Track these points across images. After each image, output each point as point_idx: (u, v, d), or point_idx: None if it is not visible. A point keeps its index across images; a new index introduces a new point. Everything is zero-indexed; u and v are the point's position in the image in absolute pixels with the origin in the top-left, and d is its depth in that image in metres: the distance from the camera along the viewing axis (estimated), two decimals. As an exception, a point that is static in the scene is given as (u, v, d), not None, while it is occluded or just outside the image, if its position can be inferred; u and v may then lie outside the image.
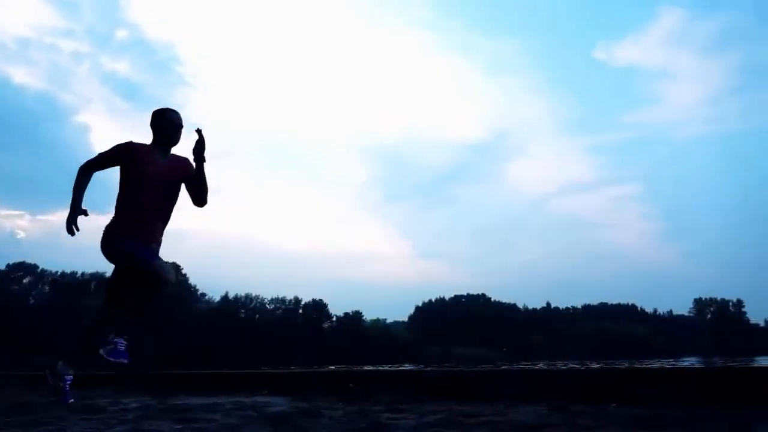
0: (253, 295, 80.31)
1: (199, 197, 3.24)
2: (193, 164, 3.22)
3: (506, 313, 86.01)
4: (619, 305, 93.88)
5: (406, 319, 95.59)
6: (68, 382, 3.02)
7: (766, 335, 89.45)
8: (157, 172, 3.15)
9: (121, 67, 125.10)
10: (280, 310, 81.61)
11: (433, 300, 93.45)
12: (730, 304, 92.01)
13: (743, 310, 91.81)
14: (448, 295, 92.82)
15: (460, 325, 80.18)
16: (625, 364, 21.54)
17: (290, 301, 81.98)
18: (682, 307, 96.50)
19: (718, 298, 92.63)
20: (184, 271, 71.71)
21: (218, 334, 62.42)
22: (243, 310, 78.41)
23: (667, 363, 21.60)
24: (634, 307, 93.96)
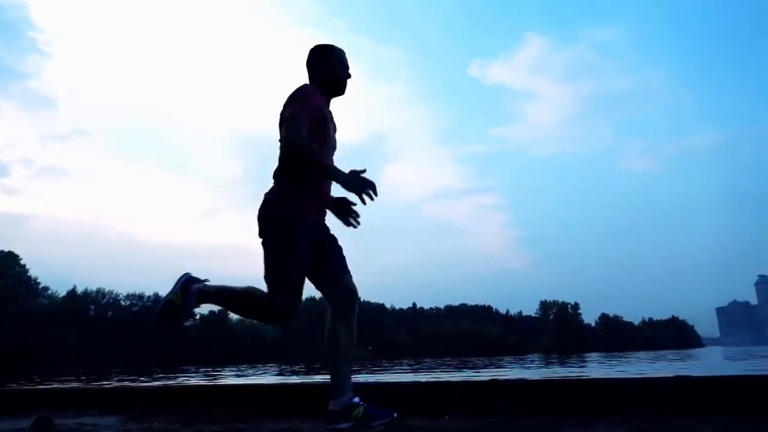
0: (106, 289, 73.59)
1: None
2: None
3: (374, 312, 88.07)
4: (477, 306, 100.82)
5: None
6: None
7: (596, 334, 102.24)
8: (332, 131, 2.40)
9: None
10: (137, 307, 75.57)
11: (304, 298, 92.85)
12: (569, 306, 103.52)
13: (579, 311, 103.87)
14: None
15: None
16: (480, 362, 23.32)
17: (149, 297, 76.33)
18: (530, 308, 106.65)
19: (560, 301, 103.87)
20: (23, 262, 63.55)
21: (61, 333, 56.09)
22: (93, 307, 71.36)
23: (515, 360, 23.89)
24: (489, 308, 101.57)
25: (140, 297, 75.46)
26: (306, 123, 2.18)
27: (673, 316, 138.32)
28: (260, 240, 2.23)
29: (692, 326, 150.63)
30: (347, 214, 2.46)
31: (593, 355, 41.25)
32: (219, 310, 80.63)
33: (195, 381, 11.42)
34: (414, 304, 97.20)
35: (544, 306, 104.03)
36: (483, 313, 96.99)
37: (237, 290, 2.24)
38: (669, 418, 2.31)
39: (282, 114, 2.25)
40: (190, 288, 2.19)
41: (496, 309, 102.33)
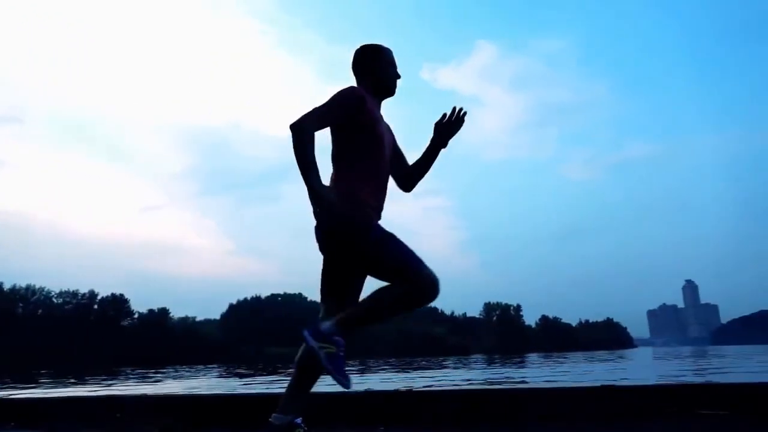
0: (37, 286, 69.62)
1: (413, 181, 2.48)
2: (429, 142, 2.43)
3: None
4: (425, 307, 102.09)
5: (218, 317, 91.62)
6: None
7: (536, 335, 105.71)
8: (385, 132, 2.30)
9: None
10: (71, 305, 72.00)
11: (249, 298, 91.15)
12: (512, 308, 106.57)
13: (521, 313, 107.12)
14: (264, 293, 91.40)
15: (276, 325, 79.49)
16: (422, 362, 23.58)
17: (84, 294, 72.89)
18: (475, 309, 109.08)
19: (503, 303, 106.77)
20: (-59, 256, 59.12)
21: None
22: (21, 305, 67.37)
23: (458, 361, 24.33)
24: (435, 309, 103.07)
25: (74, 294, 71.94)
26: (325, 123, 2.13)
27: (608, 318, 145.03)
28: (348, 249, 2.11)
29: (625, 328, 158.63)
30: (446, 128, 2.40)
31: (533, 356, 42.63)
32: (158, 309, 77.72)
33: (127, 388, 11.05)
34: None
35: (488, 307, 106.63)
36: (429, 314, 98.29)
37: (367, 302, 2.12)
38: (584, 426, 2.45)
39: None
40: (323, 332, 2.06)
41: (441, 310, 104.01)
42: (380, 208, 2.24)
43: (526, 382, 8.01)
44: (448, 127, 2.38)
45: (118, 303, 74.13)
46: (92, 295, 72.94)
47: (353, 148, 2.18)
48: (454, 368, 17.67)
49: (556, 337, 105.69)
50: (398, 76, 2.35)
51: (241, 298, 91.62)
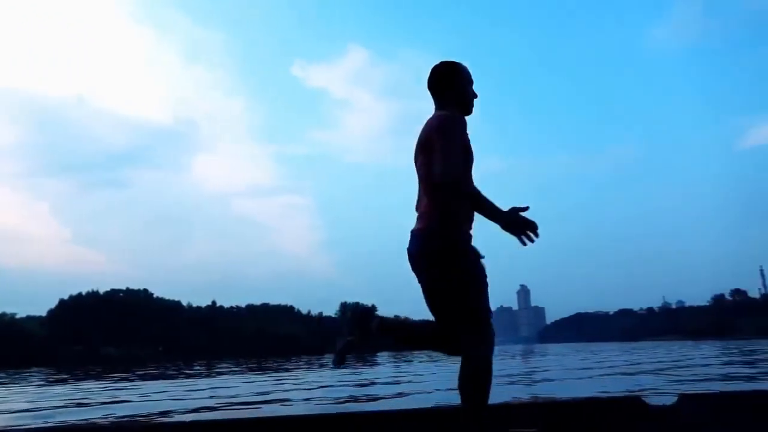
0: None
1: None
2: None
3: (169, 311, 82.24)
4: (279, 306, 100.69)
5: (44, 313, 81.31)
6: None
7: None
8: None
9: None
10: None
11: (84, 293, 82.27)
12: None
13: (376, 313, 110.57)
14: (103, 289, 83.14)
15: (114, 323, 72.79)
16: (278, 362, 23.27)
17: None
18: (331, 309, 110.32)
19: (359, 302, 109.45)
20: None
21: None
22: None
23: (313, 362, 24.51)
24: (292, 308, 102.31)
25: None
26: (460, 157, 2.04)
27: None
28: (437, 278, 2.06)
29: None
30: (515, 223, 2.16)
31: (384, 355, 44.36)
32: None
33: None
34: (213, 302, 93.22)
35: (345, 307, 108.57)
36: (285, 314, 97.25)
37: (419, 325, 2.17)
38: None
39: (429, 143, 2.08)
40: (368, 326, 2.13)
41: (298, 309, 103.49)
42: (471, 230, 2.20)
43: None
44: (515, 224, 2.07)
45: None
46: None
47: None
48: (291, 371, 17.85)
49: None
50: (476, 95, 2.26)
51: (75, 293, 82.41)
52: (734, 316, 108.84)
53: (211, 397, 7.73)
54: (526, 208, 2.02)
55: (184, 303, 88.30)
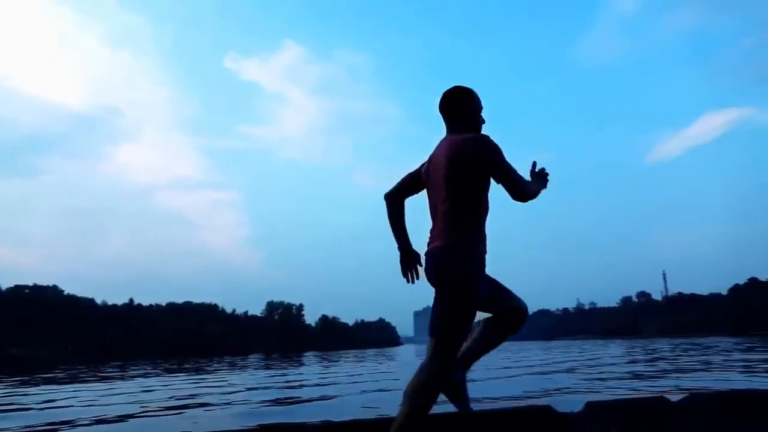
0: None
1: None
2: None
3: (81, 309, 77.25)
4: (203, 304, 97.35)
5: (-65, 312, 73.79)
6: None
7: (316, 333, 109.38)
8: None
9: None
10: None
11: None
12: (294, 307, 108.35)
13: (303, 313, 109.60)
14: (6, 285, 76.67)
15: (21, 322, 67.41)
16: (195, 364, 22.38)
17: None
18: (257, 308, 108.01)
19: (286, 302, 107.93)
20: None
21: None
22: None
23: (237, 362, 23.85)
24: (215, 306, 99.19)
25: None
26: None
27: (380, 318, 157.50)
28: (444, 291, 2.19)
29: (394, 327, 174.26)
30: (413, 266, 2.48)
31: (310, 355, 44.10)
32: None
33: None
34: (131, 300, 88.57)
35: (271, 306, 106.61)
36: (208, 312, 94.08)
37: (482, 338, 2.37)
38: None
39: (481, 163, 2.18)
40: (454, 378, 2.29)
41: (222, 308, 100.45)
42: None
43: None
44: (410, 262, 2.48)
45: None
46: None
47: (478, 197, 2.23)
48: (197, 374, 17.46)
49: (334, 336, 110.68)
50: (485, 121, 2.42)
51: (-28, 288, 75.41)
52: (640, 317, 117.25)
53: (127, 403, 7.34)
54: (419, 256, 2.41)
55: (99, 300, 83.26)
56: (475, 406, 2.46)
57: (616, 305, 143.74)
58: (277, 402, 6.52)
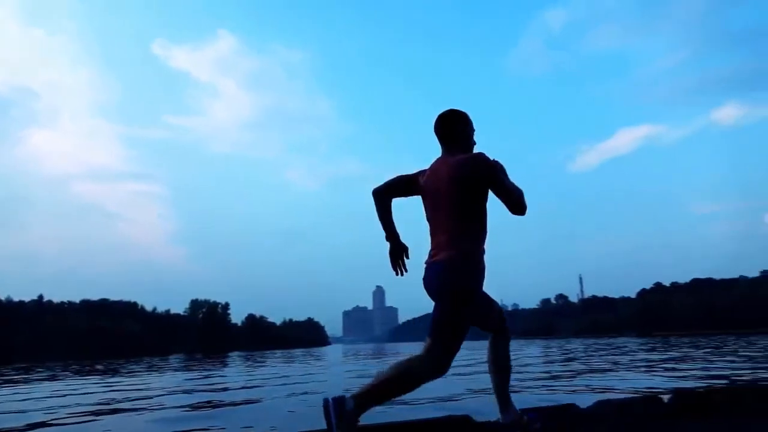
0: None
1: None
2: None
3: (-19, 306, 71.19)
4: (121, 302, 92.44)
5: None
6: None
7: (242, 333, 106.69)
8: None
9: None
10: None
11: None
12: (220, 306, 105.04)
13: (228, 311, 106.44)
14: None
15: None
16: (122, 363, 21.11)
17: None
18: (179, 306, 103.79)
19: (211, 300, 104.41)
20: None
21: None
22: None
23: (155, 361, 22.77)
24: (135, 304, 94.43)
25: None
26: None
27: (309, 318, 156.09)
28: (450, 294, 2.24)
29: (323, 327, 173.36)
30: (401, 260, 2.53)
31: (234, 355, 42.94)
32: None
33: None
34: (41, 297, 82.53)
35: (195, 305, 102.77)
36: (127, 310, 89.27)
37: (388, 377, 2.19)
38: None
39: (484, 180, 2.28)
40: (345, 410, 2.07)
41: (142, 306, 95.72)
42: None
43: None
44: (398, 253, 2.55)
45: None
46: None
47: (479, 213, 2.34)
48: (142, 374, 16.77)
49: (260, 335, 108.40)
50: (475, 143, 2.53)
51: None
52: (558, 318, 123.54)
53: (33, 410, 6.83)
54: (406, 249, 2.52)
55: (2, 297, 76.89)
56: (394, 414, 2.47)
57: (536, 307, 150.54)
58: (197, 407, 6.29)
